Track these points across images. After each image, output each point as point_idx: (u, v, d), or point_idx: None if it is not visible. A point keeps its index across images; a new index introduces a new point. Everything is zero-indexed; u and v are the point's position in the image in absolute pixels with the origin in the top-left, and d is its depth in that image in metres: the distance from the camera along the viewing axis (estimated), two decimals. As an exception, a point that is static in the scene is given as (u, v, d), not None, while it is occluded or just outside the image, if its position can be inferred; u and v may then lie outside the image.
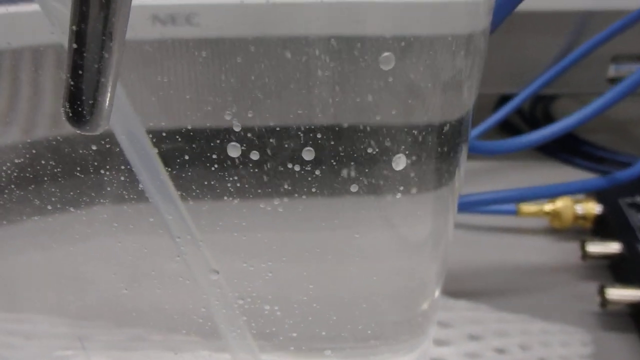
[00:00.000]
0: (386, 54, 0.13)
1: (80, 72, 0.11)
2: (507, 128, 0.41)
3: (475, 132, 0.31)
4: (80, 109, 0.11)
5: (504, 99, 0.37)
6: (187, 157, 0.14)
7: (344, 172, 0.14)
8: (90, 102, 0.11)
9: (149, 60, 0.14)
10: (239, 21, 0.13)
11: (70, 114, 0.11)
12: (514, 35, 0.34)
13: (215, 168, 0.14)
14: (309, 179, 0.14)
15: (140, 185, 0.15)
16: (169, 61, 0.14)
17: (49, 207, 0.16)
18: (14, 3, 0.14)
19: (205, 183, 0.15)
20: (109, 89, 0.11)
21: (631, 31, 0.32)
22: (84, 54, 0.10)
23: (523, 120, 0.43)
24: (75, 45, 0.10)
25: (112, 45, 0.10)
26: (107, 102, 0.11)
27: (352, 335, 0.17)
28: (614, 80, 0.36)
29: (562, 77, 0.35)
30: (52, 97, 0.14)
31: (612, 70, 0.36)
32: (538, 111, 0.43)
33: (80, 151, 0.15)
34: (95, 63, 0.10)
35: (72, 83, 0.11)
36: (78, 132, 0.11)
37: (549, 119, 0.42)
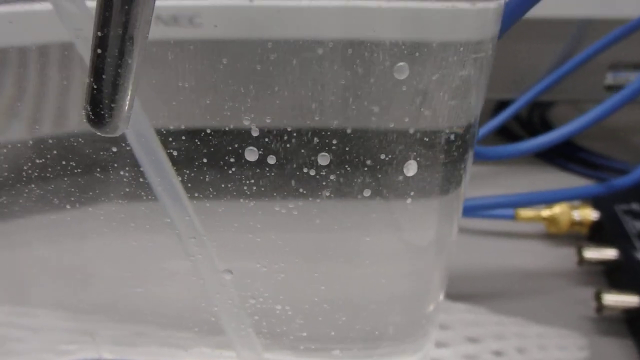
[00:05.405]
0: (401, 63, 0.13)
1: (102, 76, 0.11)
2: (505, 134, 0.41)
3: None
4: (100, 111, 0.11)
5: (502, 105, 0.38)
6: (204, 159, 0.14)
7: (357, 178, 0.14)
8: (112, 105, 0.11)
9: (152, 60, 0.14)
10: (242, 23, 0.13)
11: (91, 116, 0.11)
12: (512, 41, 0.34)
13: (233, 171, 0.14)
14: (323, 183, 0.14)
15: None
16: (176, 62, 0.14)
17: (57, 202, 0.16)
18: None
19: (223, 185, 0.15)
20: (129, 92, 0.11)
21: (629, 39, 0.32)
22: (107, 59, 0.11)
23: (520, 126, 0.43)
24: (99, 51, 0.10)
25: (134, 49, 0.11)
26: (127, 105, 0.11)
27: (360, 335, 0.17)
28: (611, 88, 0.36)
29: (560, 84, 0.35)
30: (59, 96, 0.15)
31: (609, 78, 0.36)
32: (535, 117, 0.44)
33: (91, 148, 0.15)
34: (118, 67, 0.11)
35: (94, 86, 0.11)
36: (98, 133, 0.12)
37: (546, 126, 0.43)
